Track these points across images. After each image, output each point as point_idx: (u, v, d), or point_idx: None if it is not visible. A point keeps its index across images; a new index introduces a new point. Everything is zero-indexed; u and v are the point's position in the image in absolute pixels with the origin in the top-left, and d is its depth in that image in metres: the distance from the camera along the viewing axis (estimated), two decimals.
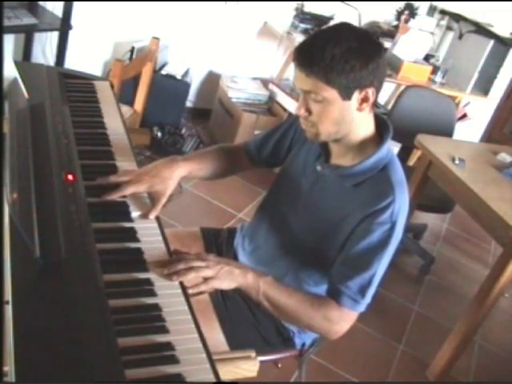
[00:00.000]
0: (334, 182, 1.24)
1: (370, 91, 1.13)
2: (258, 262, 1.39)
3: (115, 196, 1.21)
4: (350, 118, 1.16)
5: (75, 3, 2.76)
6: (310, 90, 1.13)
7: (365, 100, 1.14)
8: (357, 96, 1.13)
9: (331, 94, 1.11)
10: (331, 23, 3.46)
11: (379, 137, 1.23)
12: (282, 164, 1.43)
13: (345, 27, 1.15)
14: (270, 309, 1.18)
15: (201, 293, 1.12)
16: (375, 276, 1.17)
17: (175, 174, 1.28)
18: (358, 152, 1.21)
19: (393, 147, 3.53)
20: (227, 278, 1.11)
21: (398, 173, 1.20)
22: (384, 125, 1.25)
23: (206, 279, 1.09)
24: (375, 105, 1.19)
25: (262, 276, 1.16)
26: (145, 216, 1.19)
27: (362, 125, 1.19)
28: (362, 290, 1.16)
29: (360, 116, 1.16)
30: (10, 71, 1.51)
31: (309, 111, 1.16)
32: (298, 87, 1.17)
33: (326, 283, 1.24)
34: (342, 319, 1.18)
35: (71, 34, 2.84)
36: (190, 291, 1.04)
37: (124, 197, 1.23)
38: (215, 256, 1.15)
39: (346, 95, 1.12)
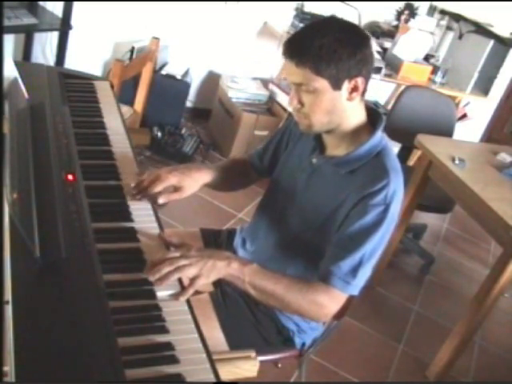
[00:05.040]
0: (329, 171, 1.26)
1: (360, 80, 1.16)
2: (259, 261, 1.38)
3: (147, 196, 1.26)
4: (342, 108, 1.18)
5: (75, 3, 2.77)
6: (300, 81, 1.15)
7: (354, 89, 1.17)
8: (346, 85, 1.16)
9: (322, 84, 1.14)
10: None
11: (371, 126, 1.26)
12: None
13: (332, 20, 1.20)
14: (257, 297, 1.17)
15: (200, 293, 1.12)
16: (365, 256, 1.17)
17: (202, 178, 1.36)
18: (351, 141, 1.24)
19: (393, 147, 3.53)
20: (212, 272, 1.10)
21: (393, 159, 1.23)
22: (375, 114, 1.27)
23: (191, 279, 1.07)
24: (365, 93, 1.21)
25: (247, 264, 1.15)
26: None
27: (354, 114, 1.22)
28: (353, 271, 1.16)
29: (351, 105, 1.19)
30: (10, 71, 1.51)
31: (301, 103, 1.19)
32: (289, 80, 1.20)
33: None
34: (331, 301, 1.17)
35: (71, 33, 2.84)
36: (181, 298, 1.02)
37: (125, 198, 1.23)
38: (197, 250, 1.13)
39: (336, 85, 1.15)
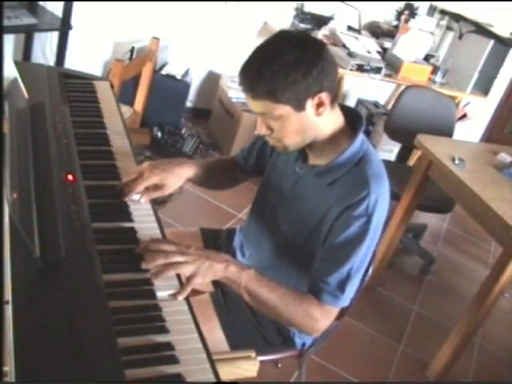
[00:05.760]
0: (312, 181, 1.25)
1: (324, 95, 1.12)
2: (255, 267, 1.38)
3: (131, 196, 1.23)
4: (312, 124, 1.16)
5: (75, 3, 2.77)
6: (262, 111, 1.14)
7: (320, 105, 1.13)
8: (310, 103, 1.12)
9: (284, 110, 1.11)
10: (330, 23, 3.46)
11: (352, 128, 1.23)
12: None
13: (279, 39, 1.13)
14: (251, 303, 1.17)
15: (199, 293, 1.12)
16: (353, 270, 1.16)
17: (185, 173, 1.35)
18: (332, 149, 1.21)
19: (393, 147, 3.54)
20: (208, 272, 1.09)
21: (374, 165, 1.19)
22: (355, 115, 1.24)
23: (187, 278, 1.06)
24: (335, 101, 1.17)
25: (245, 269, 1.15)
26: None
27: (327, 125, 1.19)
28: (341, 285, 1.16)
29: (321, 119, 1.16)
30: (10, 71, 1.51)
31: (270, 129, 1.18)
32: (252, 110, 1.17)
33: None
34: (323, 316, 1.17)
35: (71, 33, 2.84)
36: (179, 297, 1.02)
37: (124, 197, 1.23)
38: (196, 248, 1.12)
39: (299, 106, 1.11)
